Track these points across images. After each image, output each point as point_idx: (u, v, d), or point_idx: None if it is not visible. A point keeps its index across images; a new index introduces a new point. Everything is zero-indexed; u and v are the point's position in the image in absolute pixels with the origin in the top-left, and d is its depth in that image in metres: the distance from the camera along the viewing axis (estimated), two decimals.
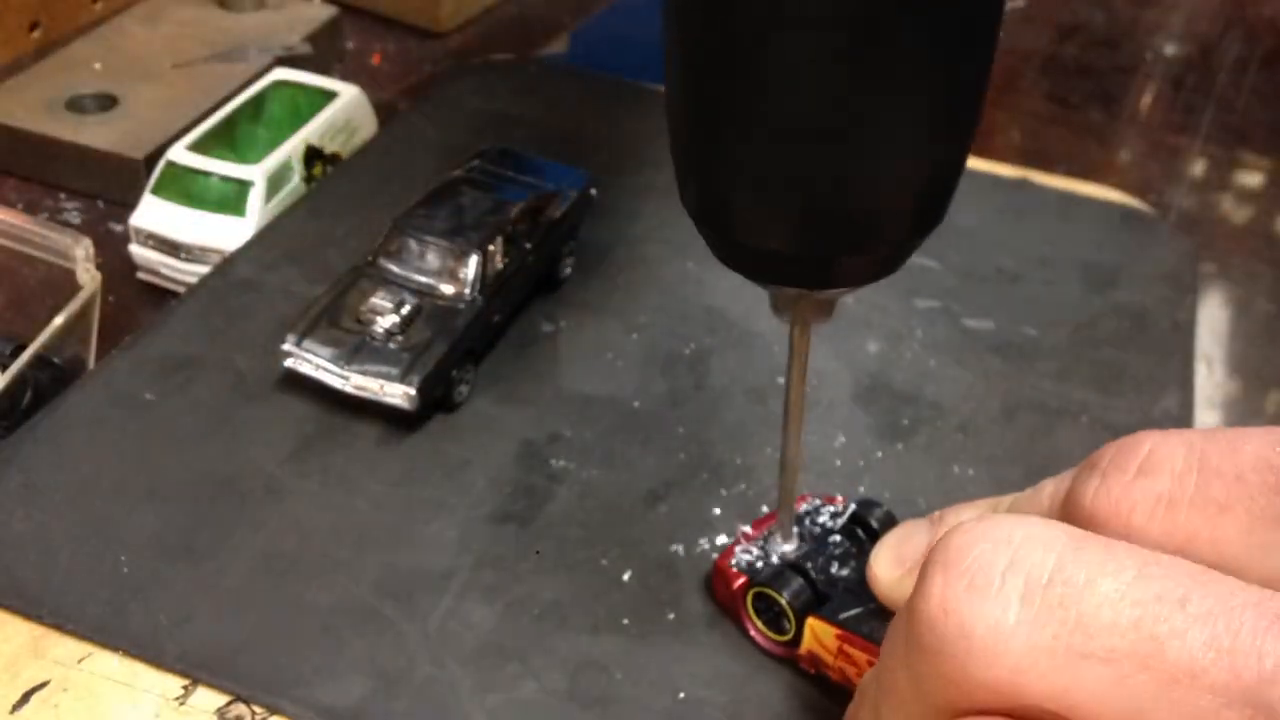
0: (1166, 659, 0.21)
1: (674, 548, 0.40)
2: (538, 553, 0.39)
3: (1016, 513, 0.31)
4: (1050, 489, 0.30)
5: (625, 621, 0.37)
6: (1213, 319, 0.57)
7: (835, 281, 0.31)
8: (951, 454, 0.44)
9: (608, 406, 0.45)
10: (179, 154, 0.52)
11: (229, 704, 0.34)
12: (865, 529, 0.38)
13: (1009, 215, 0.57)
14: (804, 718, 0.35)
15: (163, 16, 0.67)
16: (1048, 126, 0.70)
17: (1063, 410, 0.46)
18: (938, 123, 0.27)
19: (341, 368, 0.42)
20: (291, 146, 0.54)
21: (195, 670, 0.35)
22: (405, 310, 0.44)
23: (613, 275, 0.51)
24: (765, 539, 0.38)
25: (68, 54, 0.63)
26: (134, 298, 0.52)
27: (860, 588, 0.36)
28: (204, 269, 0.50)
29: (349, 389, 0.42)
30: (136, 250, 0.52)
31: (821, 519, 0.39)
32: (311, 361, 0.43)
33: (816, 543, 0.38)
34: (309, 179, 0.55)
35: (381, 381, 0.42)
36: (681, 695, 0.35)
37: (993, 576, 0.23)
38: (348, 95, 0.58)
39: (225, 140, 0.54)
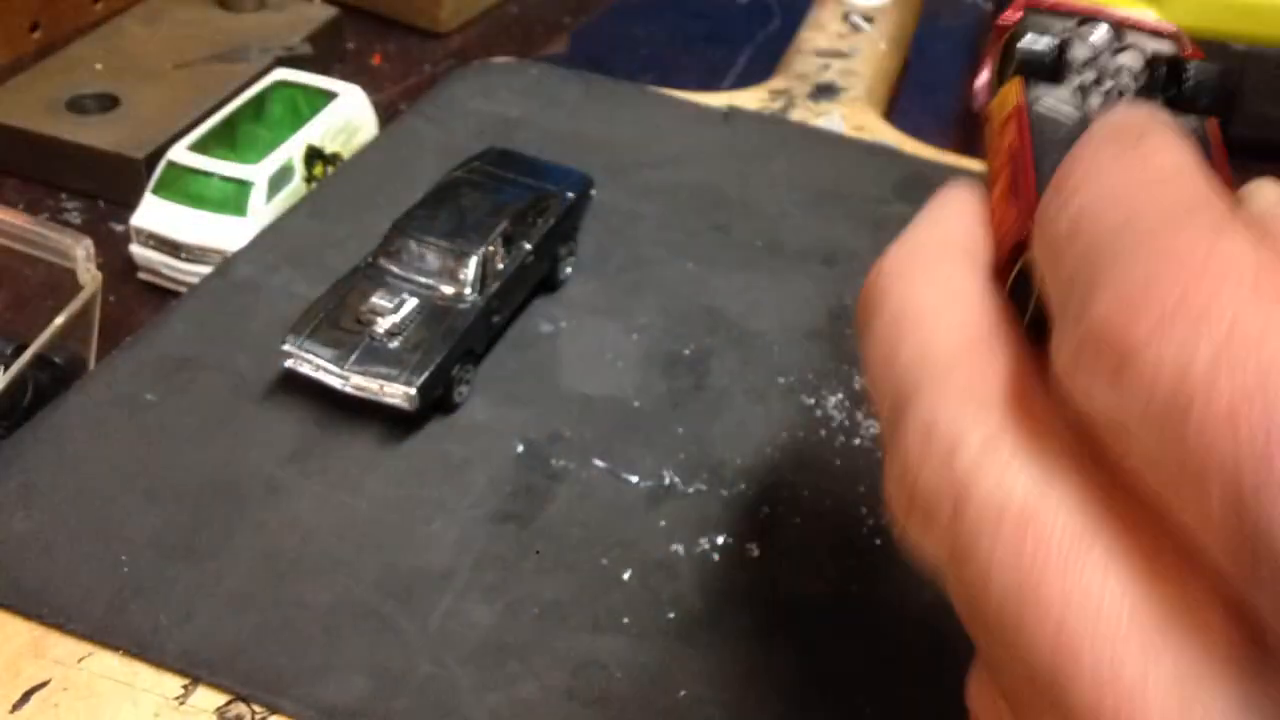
0: None
1: (674, 548, 0.40)
2: (538, 553, 0.39)
3: None
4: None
5: (625, 621, 0.37)
6: None
7: None
8: None
9: (608, 406, 0.45)
10: (180, 154, 0.52)
11: (229, 703, 0.34)
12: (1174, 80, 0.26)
13: None
14: (804, 717, 0.35)
15: (163, 16, 0.67)
16: None
17: None
18: None
19: (341, 368, 0.42)
20: (292, 147, 0.54)
21: (195, 669, 0.35)
22: (405, 310, 0.44)
23: (613, 275, 0.51)
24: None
25: (68, 54, 0.63)
26: (134, 298, 0.52)
27: None
28: (204, 269, 0.50)
29: (349, 389, 0.42)
30: (137, 250, 0.52)
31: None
32: (311, 362, 0.43)
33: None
34: (310, 179, 0.55)
35: (381, 381, 0.42)
36: (682, 694, 0.35)
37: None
38: (348, 95, 0.58)
39: (226, 140, 0.54)
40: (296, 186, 0.54)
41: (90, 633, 0.36)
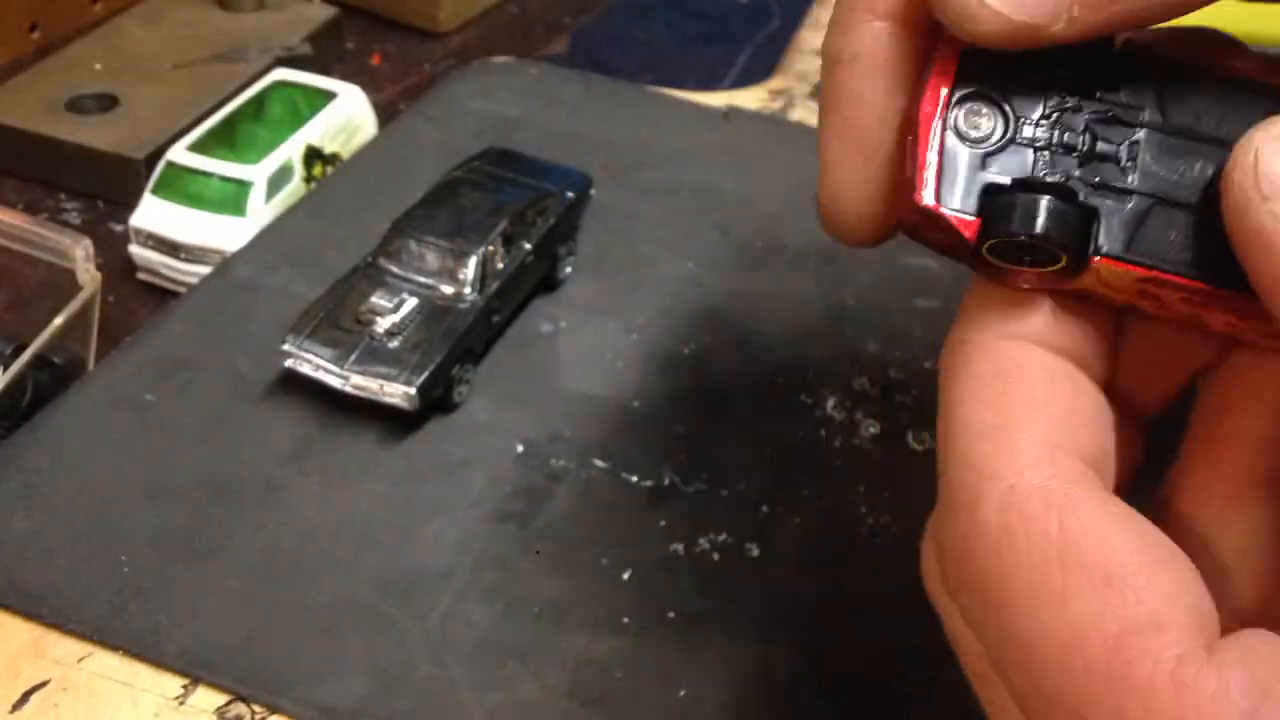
0: None
1: (674, 547, 0.40)
2: (538, 552, 0.39)
3: None
4: None
5: (625, 621, 0.37)
6: None
7: None
8: None
9: (608, 406, 0.45)
10: (179, 154, 0.52)
11: (229, 703, 0.34)
12: (1159, 67, 0.24)
13: None
14: (804, 717, 0.35)
15: (163, 16, 0.67)
16: None
17: None
18: None
19: (341, 368, 0.42)
20: (291, 147, 0.54)
21: (195, 669, 0.35)
22: (405, 310, 0.44)
23: (613, 275, 0.51)
24: (973, 102, 0.24)
25: (68, 54, 0.63)
26: (134, 298, 0.52)
27: (1169, 173, 0.23)
28: (204, 269, 0.50)
29: (349, 389, 0.42)
30: (136, 250, 0.52)
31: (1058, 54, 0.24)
32: (311, 362, 0.43)
33: (1068, 99, 0.24)
34: (309, 179, 0.55)
35: (381, 381, 0.42)
36: (682, 694, 0.35)
37: None
38: (348, 95, 0.58)
39: (225, 140, 0.54)
40: (296, 186, 0.54)
41: (90, 633, 0.36)
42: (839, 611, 0.38)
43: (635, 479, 0.42)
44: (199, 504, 0.40)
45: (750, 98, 0.63)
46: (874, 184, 0.26)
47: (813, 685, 0.36)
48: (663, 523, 0.41)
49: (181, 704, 0.34)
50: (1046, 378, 0.25)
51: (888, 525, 0.41)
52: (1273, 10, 0.64)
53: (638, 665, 0.36)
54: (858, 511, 0.41)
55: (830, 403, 0.46)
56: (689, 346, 0.48)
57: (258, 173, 0.52)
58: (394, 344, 0.43)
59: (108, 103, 0.59)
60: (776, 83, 0.65)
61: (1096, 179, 0.24)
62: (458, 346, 0.43)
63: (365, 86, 0.59)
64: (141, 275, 0.53)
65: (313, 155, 0.55)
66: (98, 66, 0.62)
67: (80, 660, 0.35)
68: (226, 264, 0.50)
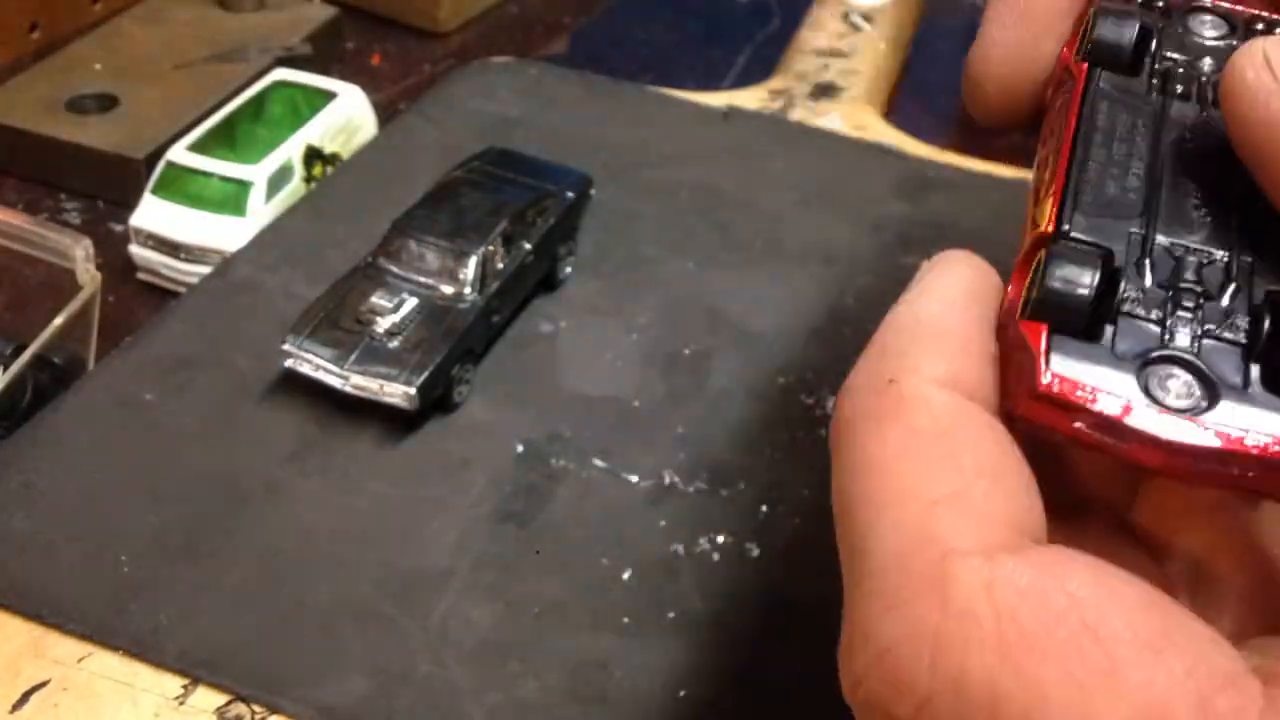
0: None
1: (674, 547, 0.40)
2: (538, 552, 0.39)
3: None
4: None
5: (625, 621, 0.37)
6: None
7: None
8: None
9: (608, 406, 0.45)
10: (179, 154, 0.52)
11: (229, 703, 0.34)
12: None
13: (1009, 215, 0.57)
14: (804, 717, 0.35)
15: (163, 16, 0.67)
16: None
17: None
18: None
19: (341, 368, 0.42)
20: (291, 147, 0.54)
21: (195, 669, 0.35)
22: (405, 310, 0.44)
23: (613, 275, 0.51)
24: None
25: (68, 54, 0.63)
26: (134, 298, 0.52)
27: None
28: (204, 269, 0.50)
29: (349, 389, 0.42)
30: (136, 250, 0.52)
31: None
32: (311, 361, 0.43)
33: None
34: (309, 179, 0.55)
35: (381, 381, 0.42)
36: (682, 694, 0.35)
37: None
38: (348, 95, 0.58)
39: (225, 140, 0.54)
40: (296, 186, 0.54)
41: (90, 633, 0.36)
42: (839, 611, 0.38)
43: (635, 479, 0.42)
44: (199, 504, 0.40)
45: (750, 98, 0.63)
46: (1027, 49, 0.25)
47: (812, 685, 0.36)
48: (663, 523, 0.41)
49: (181, 704, 0.34)
50: (994, 440, 0.21)
51: None
52: None
53: (638, 665, 0.36)
54: None
55: (830, 402, 0.46)
56: (689, 346, 0.48)
57: (258, 173, 0.52)
58: (394, 344, 0.43)
59: (108, 103, 0.59)
60: (776, 83, 0.65)
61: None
62: (458, 346, 0.43)
63: (365, 86, 0.59)
64: (141, 275, 0.53)
65: (313, 155, 0.55)
66: (98, 66, 0.62)
67: (80, 660, 0.35)
68: (226, 264, 0.50)
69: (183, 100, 0.59)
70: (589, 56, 0.73)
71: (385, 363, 0.42)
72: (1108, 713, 0.17)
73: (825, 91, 0.64)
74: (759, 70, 0.69)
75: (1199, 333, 0.21)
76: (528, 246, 0.47)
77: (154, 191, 0.52)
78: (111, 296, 0.51)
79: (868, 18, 0.70)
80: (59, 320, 0.44)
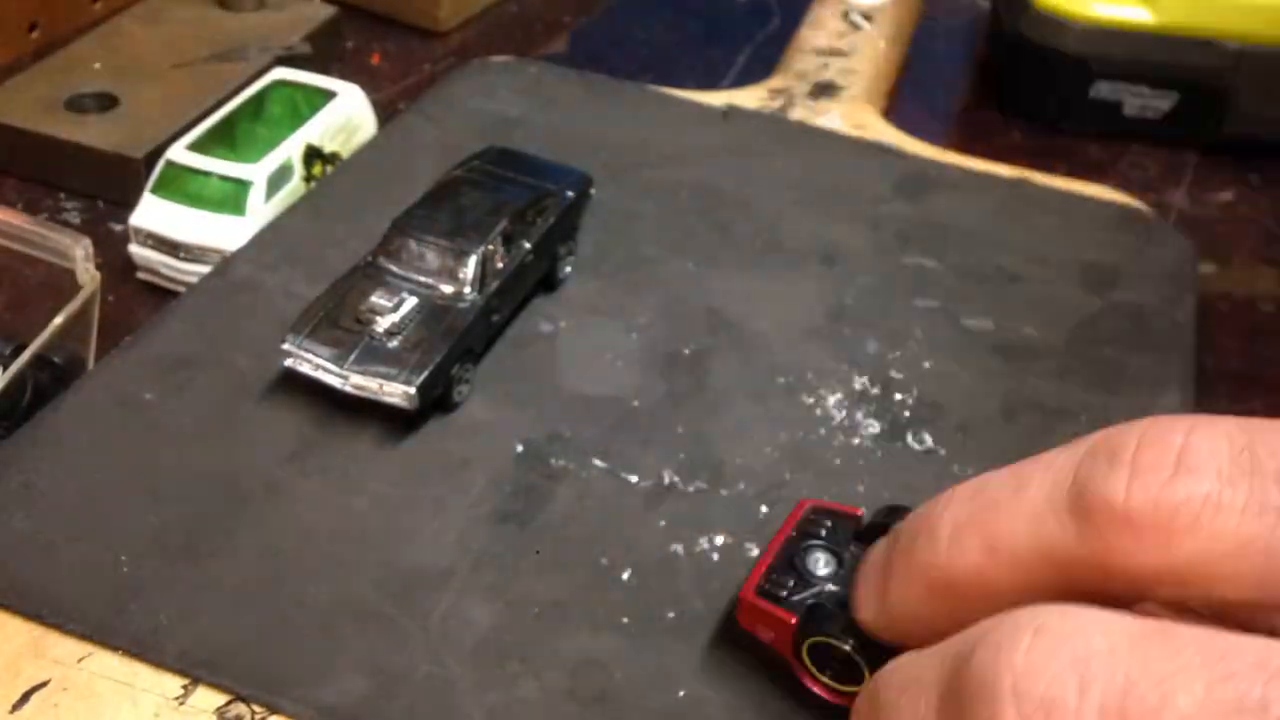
0: None
1: (674, 547, 0.40)
2: (537, 552, 0.39)
3: (1000, 509, 0.27)
4: (1045, 481, 0.26)
5: (625, 620, 0.37)
6: (1213, 319, 0.57)
7: None
8: (951, 454, 0.44)
9: (608, 406, 0.45)
10: (179, 154, 0.52)
11: (229, 703, 0.34)
12: None
13: (1008, 215, 0.57)
14: (804, 717, 0.35)
15: (163, 16, 0.67)
16: (1048, 126, 0.70)
17: (1062, 410, 0.46)
18: None
19: (341, 367, 0.42)
20: (291, 146, 0.54)
21: (195, 669, 0.35)
22: (405, 310, 0.44)
23: (613, 275, 0.51)
24: (793, 559, 0.34)
25: (67, 54, 0.63)
26: (134, 298, 0.52)
27: None
28: (204, 269, 0.50)
29: (349, 389, 0.42)
30: (136, 250, 0.52)
31: (845, 532, 0.35)
32: (311, 361, 0.43)
33: (853, 565, 0.33)
34: (309, 179, 0.55)
35: (381, 381, 0.42)
36: (681, 694, 0.35)
37: (1068, 713, 0.21)
38: (348, 95, 0.58)
39: (225, 140, 0.54)
40: (295, 186, 0.54)
41: (90, 633, 0.36)
42: None
43: (635, 479, 0.42)
44: (199, 504, 0.40)
45: (750, 97, 0.63)
46: None
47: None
48: (663, 523, 0.41)
49: (181, 704, 0.34)
50: None
51: None
52: (1267, 8, 0.64)
53: (638, 665, 0.36)
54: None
55: (830, 402, 0.46)
56: (689, 346, 0.48)
57: (257, 172, 0.52)
58: (394, 343, 0.43)
59: (108, 102, 0.59)
60: (776, 82, 0.65)
61: None
62: (458, 346, 0.43)
63: (365, 86, 0.59)
64: (141, 275, 0.53)
65: (313, 155, 0.55)
66: (98, 66, 0.62)
67: (80, 660, 0.35)
68: (226, 263, 0.50)
69: (183, 100, 0.59)
70: (589, 56, 0.73)
71: (385, 362, 0.42)
72: None
73: (825, 91, 0.64)
74: (759, 70, 0.69)
75: None
76: (528, 246, 0.47)
77: (154, 191, 0.52)
78: (111, 296, 0.51)
79: (868, 17, 0.70)
80: (59, 320, 0.44)
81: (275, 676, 0.35)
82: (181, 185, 0.52)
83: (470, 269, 0.45)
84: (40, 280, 0.48)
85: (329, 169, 0.56)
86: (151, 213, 0.51)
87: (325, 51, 0.67)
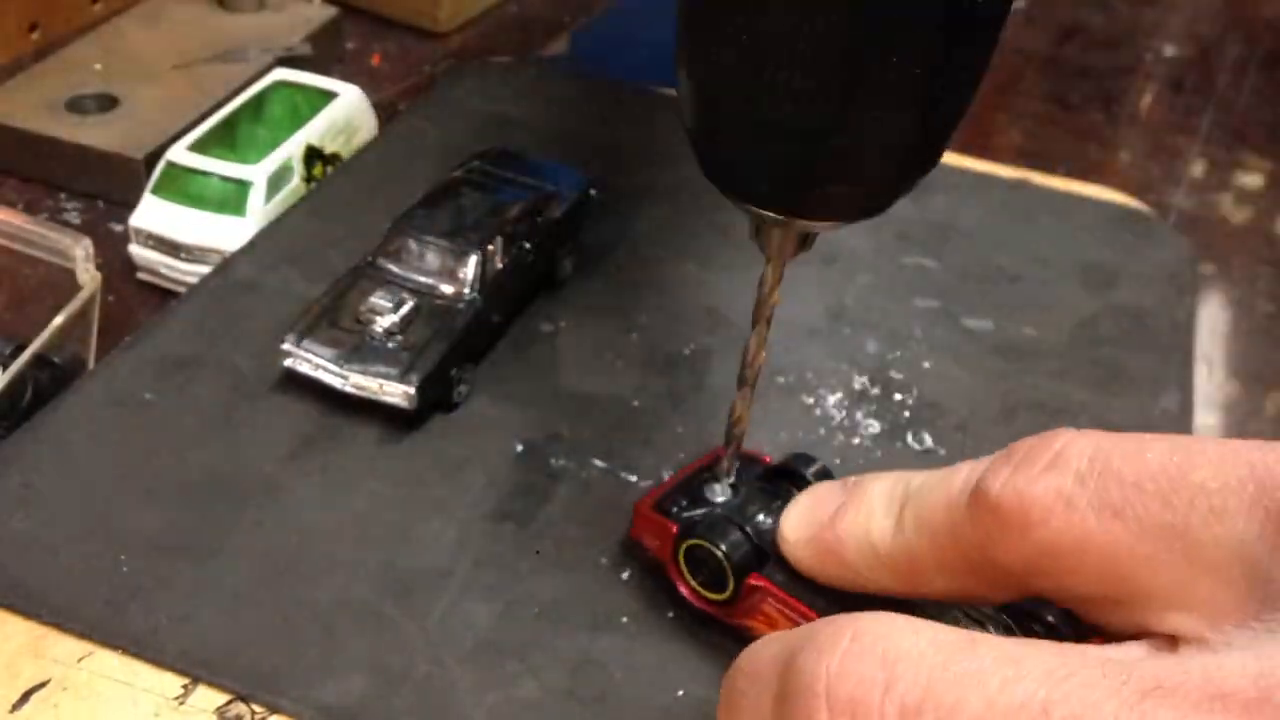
0: None
1: None
2: (537, 552, 0.39)
3: (928, 493, 0.30)
4: (965, 473, 0.29)
5: (624, 620, 0.37)
6: (1213, 319, 0.57)
7: (822, 212, 0.30)
8: (951, 454, 0.44)
9: (608, 406, 0.45)
10: (179, 154, 0.52)
11: (229, 703, 0.34)
12: (801, 484, 0.36)
13: (1009, 215, 0.57)
14: None
15: (163, 17, 0.67)
16: (1048, 127, 0.70)
17: (1062, 410, 0.46)
18: (940, 65, 0.27)
19: (341, 367, 0.42)
20: (291, 147, 0.54)
21: (195, 669, 0.35)
22: (405, 310, 0.44)
23: (613, 275, 0.51)
24: (693, 486, 0.37)
25: (68, 54, 0.63)
26: (134, 298, 0.52)
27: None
28: (204, 269, 0.50)
29: (348, 389, 0.42)
30: (136, 250, 0.52)
31: (753, 471, 0.38)
32: (311, 361, 0.43)
33: (749, 496, 0.36)
34: (309, 179, 0.55)
35: (381, 381, 0.42)
36: (681, 694, 0.35)
37: (871, 711, 0.23)
38: (348, 95, 0.58)
39: (225, 140, 0.54)
40: (296, 186, 0.54)
41: (90, 633, 0.36)
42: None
43: (635, 479, 0.42)
44: (199, 504, 0.40)
45: None
46: None
47: None
48: None
49: (181, 704, 0.34)
50: None
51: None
52: None
53: (638, 665, 0.36)
54: None
55: (830, 402, 0.46)
56: (689, 346, 0.48)
57: (258, 173, 0.52)
58: (393, 343, 0.43)
59: (108, 103, 0.59)
60: None
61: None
62: (458, 346, 0.43)
63: (365, 86, 0.59)
64: (141, 275, 0.53)
65: (313, 155, 0.55)
66: (98, 66, 0.62)
67: (80, 660, 0.35)
68: (226, 263, 0.50)
69: (183, 100, 0.59)
70: (589, 56, 0.73)
71: (385, 362, 0.42)
72: None
73: None
74: None
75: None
76: (528, 246, 0.47)
77: (154, 191, 0.52)
78: (111, 296, 0.51)
79: None
80: (59, 320, 0.44)
81: (275, 676, 0.35)
82: (182, 186, 0.52)
83: (470, 269, 0.45)
84: (40, 280, 0.48)
85: (329, 169, 0.56)
86: (152, 213, 0.51)
87: (325, 52, 0.67)
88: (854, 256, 0.53)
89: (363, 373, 0.42)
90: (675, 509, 0.37)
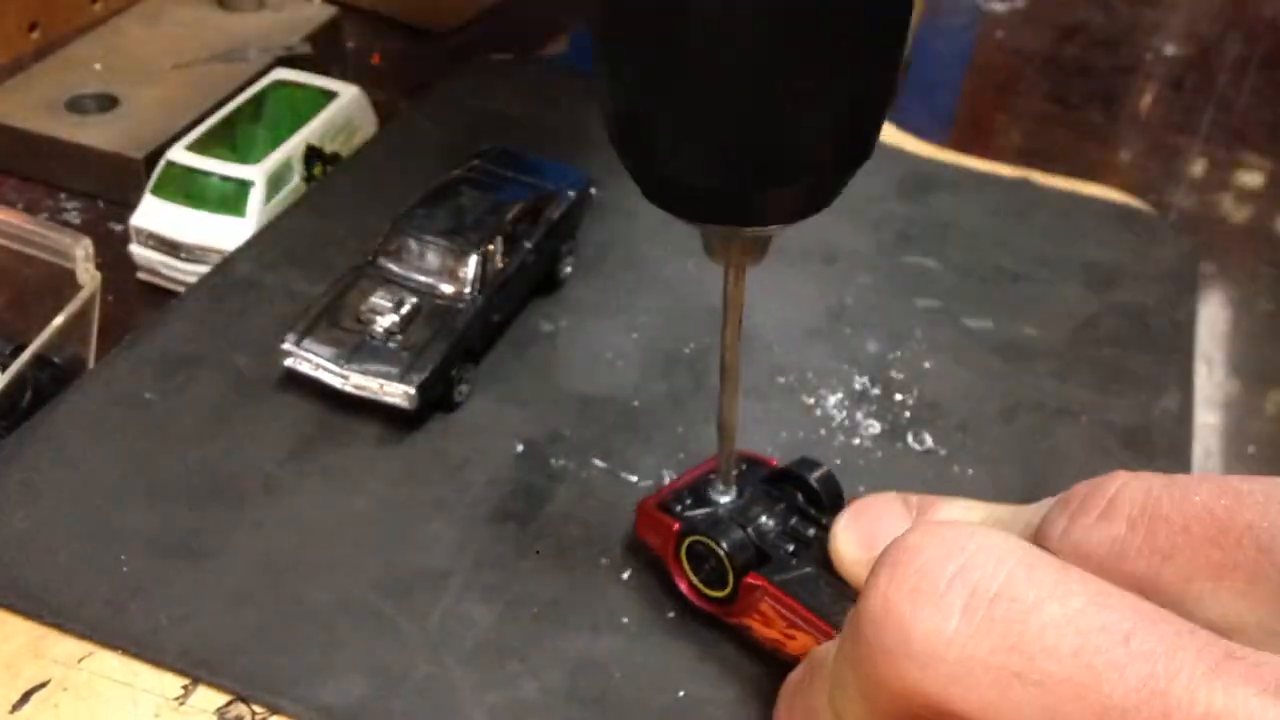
0: (1100, 691, 0.21)
1: None
2: (537, 552, 0.39)
3: (996, 525, 0.31)
4: (1028, 517, 0.30)
5: (625, 620, 0.37)
6: (1213, 319, 0.57)
7: (765, 218, 0.30)
8: (951, 454, 0.44)
9: (608, 406, 0.45)
10: (179, 154, 0.52)
11: (229, 703, 0.34)
12: (804, 489, 0.37)
13: (1009, 215, 0.57)
14: None
15: (163, 16, 0.67)
16: (1048, 126, 0.70)
17: (1062, 410, 0.46)
18: (859, 57, 0.27)
19: (341, 367, 0.42)
20: (291, 146, 0.54)
21: (195, 669, 0.35)
22: (405, 310, 0.44)
23: (613, 275, 0.51)
24: (698, 487, 0.38)
25: (68, 54, 0.63)
26: (134, 298, 0.52)
27: (801, 550, 0.36)
28: (204, 269, 0.50)
29: (349, 388, 0.42)
30: (136, 250, 0.52)
31: (757, 474, 0.38)
32: (311, 361, 0.43)
33: (752, 497, 0.37)
34: (309, 179, 0.55)
35: (381, 381, 0.42)
36: (681, 694, 0.35)
37: (939, 582, 0.23)
38: (348, 95, 0.58)
39: (225, 140, 0.54)
40: (296, 186, 0.54)
41: (90, 633, 0.36)
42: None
43: (635, 479, 0.42)
44: (199, 504, 0.40)
45: None
46: None
47: None
48: None
49: (181, 704, 0.34)
50: None
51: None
52: None
53: (638, 665, 0.36)
54: None
55: (830, 402, 0.46)
56: (689, 346, 0.48)
57: (258, 172, 0.52)
58: (393, 343, 0.43)
59: (108, 103, 0.59)
60: None
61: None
62: (458, 346, 0.43)
63: (365, 86, 0.59)
64: (141, 275, 0.53)
65: (313, 155, 0.55)
66: (98, 66, 0.62)
67: (80, 660, 0.35)
68: (226, 262, 0.50)
69: (183, 100, 0.59)
70: (589, 56, 0.73)
71: (385, 362, 0.42)
72: None
73: None
74: None
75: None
76: (528, 246, 0.47)
77: (154, 191, 0.52)
78: (111, 296, 0.51)
79: None
80: (59, 320, 0.44)
81: (275, 676, 0.35)
82: (182, 186, 0.52)
83: (470, 269, 0.45)
84: (40, 280, 0.48)
85: (329, 169, 0.56)
86: (152, 213, 0.51)
87: (325, 52, 0.67)
88: (854, 256, 0.53)
89: (363, 372, 0.42)
90: (679, 508, 0.37)
